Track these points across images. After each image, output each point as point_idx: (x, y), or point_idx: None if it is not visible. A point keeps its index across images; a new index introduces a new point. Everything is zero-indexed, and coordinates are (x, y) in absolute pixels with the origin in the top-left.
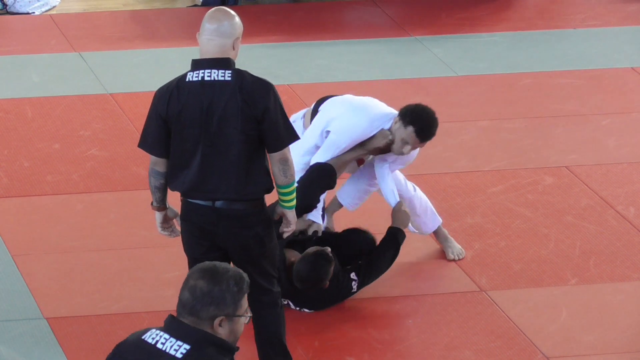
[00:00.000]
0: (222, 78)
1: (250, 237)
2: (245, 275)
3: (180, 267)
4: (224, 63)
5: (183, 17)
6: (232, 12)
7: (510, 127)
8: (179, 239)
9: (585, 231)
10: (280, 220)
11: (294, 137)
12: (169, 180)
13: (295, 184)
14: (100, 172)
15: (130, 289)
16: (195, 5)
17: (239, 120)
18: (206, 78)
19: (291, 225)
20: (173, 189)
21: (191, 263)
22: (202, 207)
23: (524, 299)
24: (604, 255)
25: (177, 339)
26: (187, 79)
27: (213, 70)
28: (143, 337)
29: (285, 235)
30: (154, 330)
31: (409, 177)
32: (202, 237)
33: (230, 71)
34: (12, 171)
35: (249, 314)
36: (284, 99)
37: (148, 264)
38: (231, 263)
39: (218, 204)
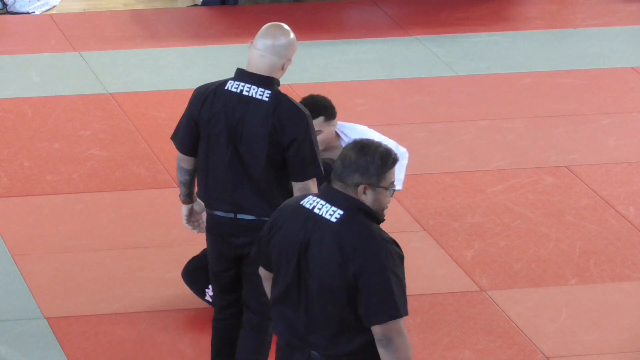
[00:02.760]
0: (260, 97)
1: (241, 251)
2: (393, 152)
3: (180, 267)
4: (267, 82)
5: (183, 17)
6: (290, 30)
7: (510, 127)
8: (177, 237)
9: (585, 231)
10: None
11: (318, 174)
12: (197, 183)
13: None
14: (100, 172)
15: (130, 289)
16: (195, 5)
17: (266, 144)
18: (244, 92)
19: None
20: (198, 196)
21: (212, 276)
22: (224, 218)
23: (524, 299)
24: (604, 255)
25: (332, 204)
26: (226, 87)
27: (253, 87)
28: (301, 203)
29: None
30: (311, 196)
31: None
32: (222, 251)
33: (270, 91)
34: (12, 171)
35: (395, 188)
36: None
37: (148, 264)
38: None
39: (239, 215)
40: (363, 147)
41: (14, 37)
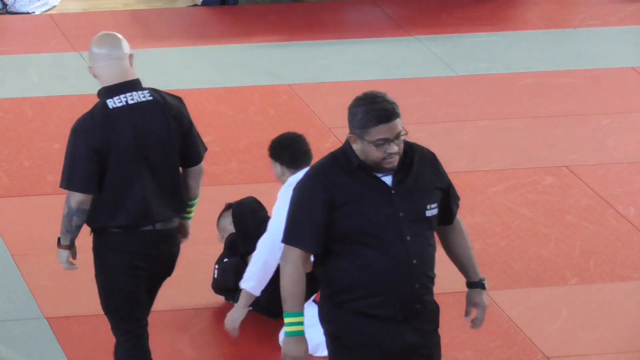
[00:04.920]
0: (145, 99)
1: (176, 254)
2: (382, 110)
3: (180, 267)
4: (138, 84)
5: (183, 17)
6: (115, 33)
7: (510, 127)
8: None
9: (585, 231)
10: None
11: (205, 147)
12: (104, 216)
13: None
14: None
15: None
16: (195, 5)
17: (171, 138)
18: (129, 102)
19: (188, 236)
20: (113, 223)
21: (125, 297)
22: (144, 232)
23: (524, 299)
24: (604, 255)
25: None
26: (110, 108)
27: (132, 93)
28: None
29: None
30: None
31: None
32: (139, 267)
33: (147, 91)
34: (12, 171)
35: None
36: (283, 98)
37: None
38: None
39: (158, 225)
40: (358, 98)
41: (14, 37)
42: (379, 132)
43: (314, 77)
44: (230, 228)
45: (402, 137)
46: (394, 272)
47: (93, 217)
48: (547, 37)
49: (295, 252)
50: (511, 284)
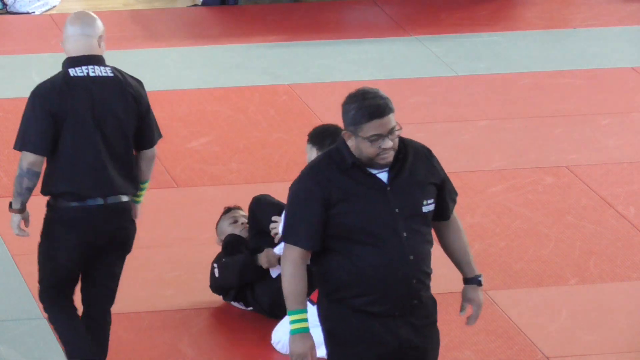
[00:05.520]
0: (106, 74)
1: (131, 230)
2: (375, 106)
3: (180, 267)
4: (101, 60)
5: (183, 17)
6: (92, 13)
7: (510, 127)
8: (177, 237)
9: (585, 231)
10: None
11: (160, 134)
12: (55, 181)
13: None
14: None
15: (130, 289)
16: (195, 5)
17: (128, 116)
18: (91, 74)
19: (137, 216)
20: (63, 189)
21: (63, 271)
22: (94, 207)
23: (524, 299)
24: (604, 255)
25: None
26: (72, 75)
27: (94, 67)
28: None
29: None
30: None
31: None
32: (85, 242)
33: (109, 68)
34: (12, 171)
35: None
36: (283, 99)
37: (148, 264)
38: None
39: (110, 199)
40: (350, 95)
41: (14, 37)
42: (373, 127)
43: (314, 77)
44: (228, 230)
45: (397, 132)
46: (391, 269)
47: (45, 183)
48: (547, 37)
49: (295, 251)
50: (511, 284)
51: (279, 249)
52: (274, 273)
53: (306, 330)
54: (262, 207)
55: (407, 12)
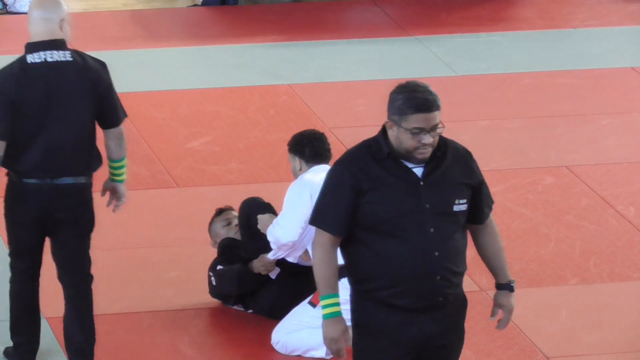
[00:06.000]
0: (64, 59)
1: (85, 211)
2: (423, 100)
3: (180, 267)
4: (61, 44)
5: (183, 17)
6: None
7: (510, 127)
8: (177, 237)
9: (585, 231)
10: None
11: (125, 114)
12: (10, 160)
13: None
14: (99, 172)
15: (130, 289)
16: (195, 5)
17: (88, 100)
18: (49, 59)
19: (123, 198)
20: (11, 167)
21: (19, 241)
22: (45, 186)
23: (524, 299)
24: (604, 255)
25: None
26: (29, 62)
27: (52, 52)
28: None
29: (116, 210)
30: None
31: None
32: (38, 219)
33: (68, 51)
34: None
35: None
36: (283, 98)
37: (148, 264)
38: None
39: (61, 180)
40: (400, 85)
41: (14, 37)
42: (417, 120)
43: (314, 77)
44: (221, 232)
45: (439, 130)
46: (415, 263)
47: (4, 161)
48: (547, 37)
49: (324, 236)
50: None
51: (272, 254)
52: (273, 274)
53: (338, 314)
54: (254, 210)
55: (407, 12)
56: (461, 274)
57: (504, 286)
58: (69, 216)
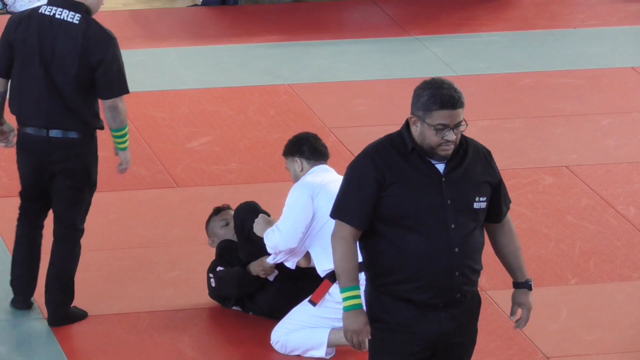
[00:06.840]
0: (71, 20)
1: (77, 164)
2: (448, 95)
3: (180, 267)
4: (77, 6)
5: (183, 17)
6: None
7: (510, 127)
8: (177, 237)
9: (585, 231)
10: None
11: (125, 91)
12: (10, 100)
13: (127, 130)
14: (100, 172)
15: (130, 289)
16: (195, 5)
17: (75, 65)
18: (57, 16)
19: (123, 164)
20: (11, 110)
21: (23, 186)
22: (36, 136)
23: None
24: (604, 255)
25: None
26: (39, 11)
27: (65, 10)
28: None
29: (120, 172)
30: None
31: None
32: (35, 167)
33: (80, 15)
34: (12, 171)
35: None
36: (283, 99)
37: (148, 264)
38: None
39: (52, 133)
40: (426, 81)
41: None
42: (441, 116)
43: (314, 77)
44: (220, 233)
45: (462, 128)
46: (435, 259)
47: (11, 105)
48: (547, 37)
49: (345, 228)
50: (511, 284)
51: (272, 259)
52: (271, 277)
53: (359, 307)
54: (249, 215)
55: (407, 12)
56: (478, 272)
57: (523, 285)
58: (61, 168)
